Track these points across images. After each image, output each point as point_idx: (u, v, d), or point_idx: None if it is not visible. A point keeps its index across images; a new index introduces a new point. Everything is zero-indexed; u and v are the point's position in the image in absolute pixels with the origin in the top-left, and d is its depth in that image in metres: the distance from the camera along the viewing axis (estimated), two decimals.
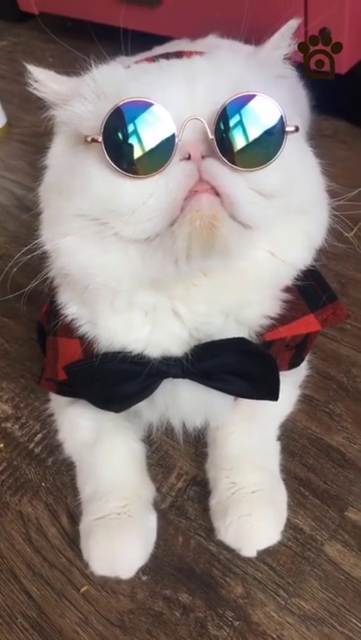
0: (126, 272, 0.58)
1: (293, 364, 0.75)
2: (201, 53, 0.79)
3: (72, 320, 0.67)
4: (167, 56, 0.75)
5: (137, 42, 0.82)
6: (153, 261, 0.56)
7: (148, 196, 0.53)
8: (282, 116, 0.54)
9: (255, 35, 0.65)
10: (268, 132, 0.54)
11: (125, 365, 0.64)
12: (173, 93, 0.54)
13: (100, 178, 0.54)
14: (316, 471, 0.78)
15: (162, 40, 1.20)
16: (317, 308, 0.68)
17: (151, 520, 0.73)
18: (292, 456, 0.79)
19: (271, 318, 0.65)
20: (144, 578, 0.71)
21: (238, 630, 0.66)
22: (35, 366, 0.96)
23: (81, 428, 0.78)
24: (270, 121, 0.54)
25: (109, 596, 0.71)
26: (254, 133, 0.53)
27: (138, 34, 0.92)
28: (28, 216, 0.88)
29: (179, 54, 0.80)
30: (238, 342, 0.63)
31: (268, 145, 0.54)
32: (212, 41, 1.18)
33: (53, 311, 0.71)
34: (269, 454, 0.76)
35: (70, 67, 0.62)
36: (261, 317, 0.65)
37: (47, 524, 0.78)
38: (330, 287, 0.70)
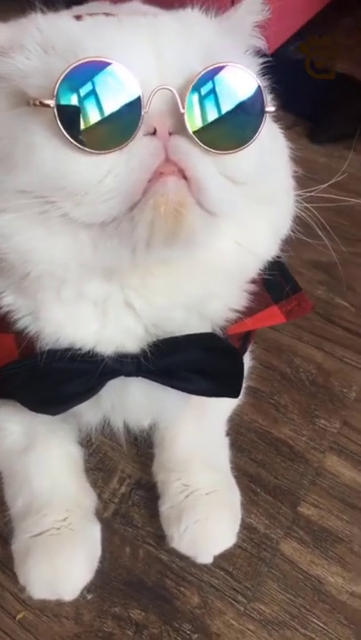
0: (75, 259, 0.50)
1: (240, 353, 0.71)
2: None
3: (7, 312, 0.57)
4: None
5: None
6: (107, 249, 0.48)
7: (106, 173, 0.45)
8: (261, 92, 0.48)
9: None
10: (245, 111, 0.47)
11: (75, 364, 0.56)
12: (138, 55, 0.46)
13: (49, 150, 0.45)
14: (266, 466, 0.75)
15: None
16: (281, 299, 0.63)
17: (95, 532, 0.66)
18: (240, 451, 0.76)
19: (237, 311, 0.60)
20: (89, 597, 0.64)
21: None
22: None
23: (9, 432, 0.69)
24: (249, 97, 0.47)
25: (51, 621, 0.63)
26: (231, 111, 0.47)
27: None
28: None
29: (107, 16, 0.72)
30: (206, 338, 0.57)
31: (244, 126, 0.48)
32: (137, 6, 1.10)
33: None
34: (220, 452, 0.72)
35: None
36: (227, 311, 0.59)
37: None
38: (293, 278, 0.66)
